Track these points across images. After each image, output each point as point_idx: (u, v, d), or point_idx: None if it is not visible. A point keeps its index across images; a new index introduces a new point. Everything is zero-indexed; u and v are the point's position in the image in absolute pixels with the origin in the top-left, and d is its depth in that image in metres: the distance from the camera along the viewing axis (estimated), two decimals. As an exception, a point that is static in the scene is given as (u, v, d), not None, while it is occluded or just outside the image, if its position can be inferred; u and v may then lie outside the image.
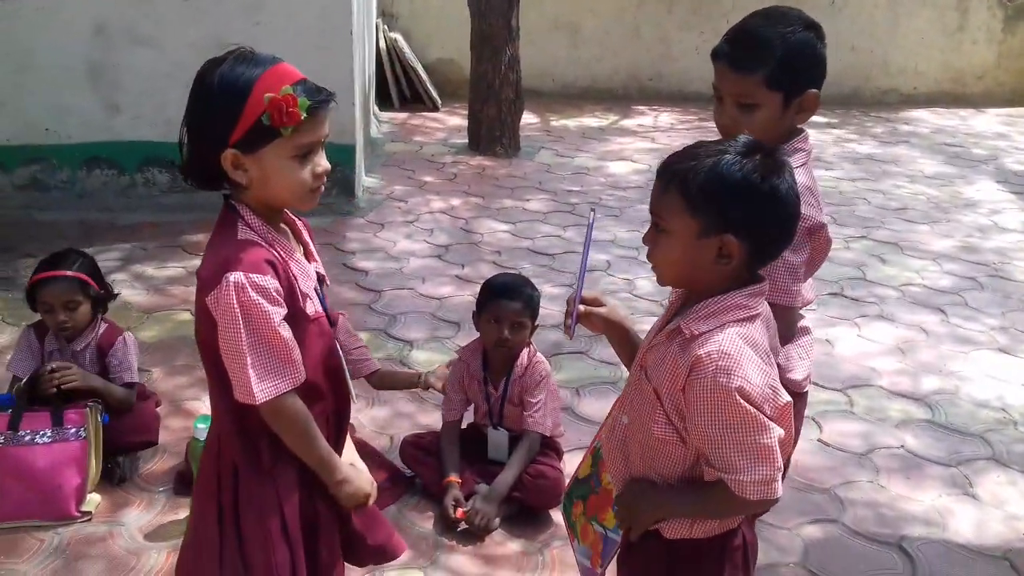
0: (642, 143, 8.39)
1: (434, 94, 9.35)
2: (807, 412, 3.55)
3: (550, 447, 3.02)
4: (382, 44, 9.01)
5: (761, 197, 1.53)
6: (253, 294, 1.54)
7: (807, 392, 2.17)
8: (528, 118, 8.98)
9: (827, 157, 8.11)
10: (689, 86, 10.14)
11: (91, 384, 2.86)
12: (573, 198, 6.47)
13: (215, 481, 1.73)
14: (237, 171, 1.58)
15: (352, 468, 1.81)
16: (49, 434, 2.71)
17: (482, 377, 3.01)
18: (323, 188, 1.69)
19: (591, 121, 9.28)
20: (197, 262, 2.03)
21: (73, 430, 2.74)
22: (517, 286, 2.97)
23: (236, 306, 1.54)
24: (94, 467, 2.81)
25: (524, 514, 2.89)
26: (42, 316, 2.92)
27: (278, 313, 1.58)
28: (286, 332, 1.60)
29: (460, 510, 2.79)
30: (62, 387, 2.79)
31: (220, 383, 1.66)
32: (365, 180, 6.51)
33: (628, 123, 9.28)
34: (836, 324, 4.47)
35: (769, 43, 1.88)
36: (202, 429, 2.71)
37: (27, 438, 2.70)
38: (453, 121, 8.71)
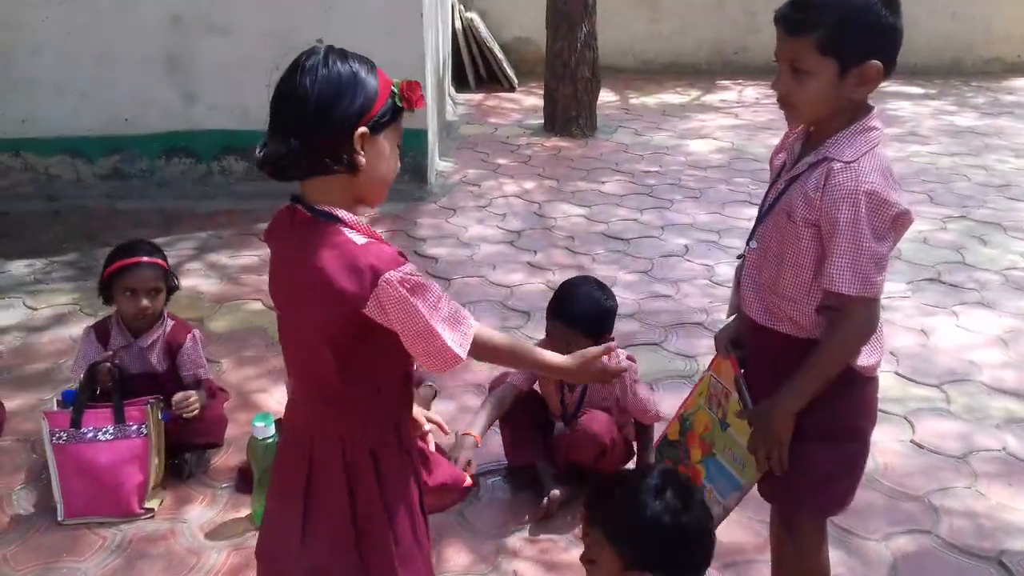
0: (725, 119, 8.10)
1: (510, 74, 9.23)
2: (898, 410, 3.35)
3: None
4: (458, 24, 8.91)
5: (671, 538, 1.76)
6: (413, 280, 1.60)
7: (878, 378, 2.02)
8: (606, 96, 8.79)
9: (923, 131, 7.69)
10: (775, 59, 9.74)
11: (201, 403, 2.93)
12: (650, 179, 6.27)
13: (304, 478, 1.74)
14: (361, 151, 1.61)
15: (570, 356, 1.88)
16: (111, 431, 2.71)
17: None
18: None
19: (672, 98, 9.01)
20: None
21: (135, 427, 2.73)
22: (572, 308, 2.76)
23: (408, 295, 1.58)
24: (157, 464, 2.80)
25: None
26: (121, 304, 2.91)
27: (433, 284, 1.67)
28: (440, 289, 1.68)
29: (469, 469, 2.70)
30: (184, 416, 2.85)
31: (350, 380, 1.68)
32: (439, 164, 6.44)
33: (711, 99, 8.98)
34: (932, 313, 4.19)
35: (826, 4, 1.78)
36: (261, 428, 2.66)
37: (89, 435, 2.69)
38: (529, 101, 8.57)
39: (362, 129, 1.59)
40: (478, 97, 8.84)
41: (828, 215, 1.82)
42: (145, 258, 2.91)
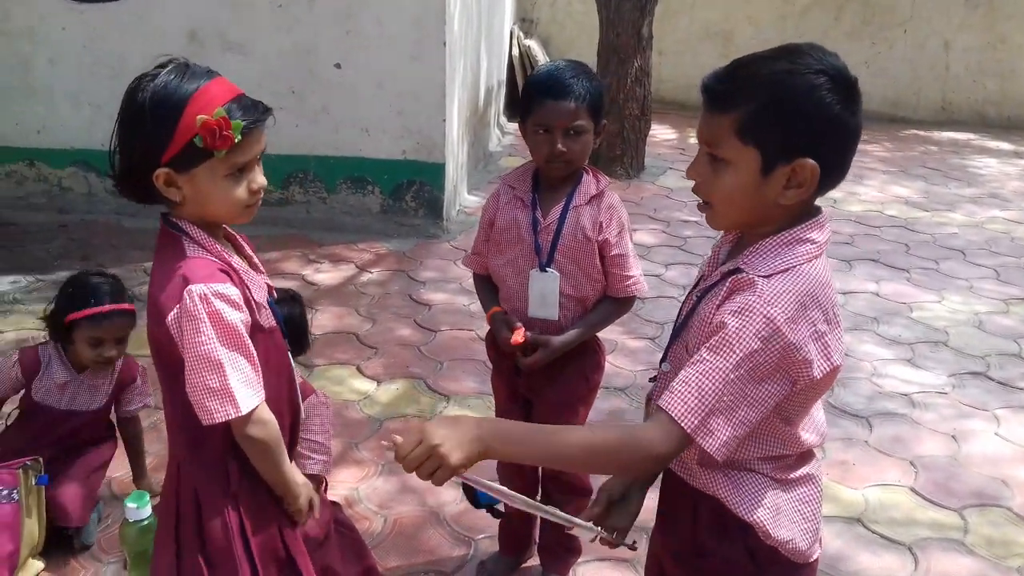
0: (786, 167, 7.56)
1: (567, 104, 8.87)
2: (903, 537, 2.85)
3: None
4: (515, 51, 8.61)
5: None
6: (219, 303, 1.51)
7: (816, 562, 1.56)
8: (665, 133, 8.38)
9: (1005, 193, 7.02)
10: (853, 103, 9.14)
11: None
12: (687, 230, 5.80)
13: (174, 515, 1.69)
14: (170, 189, 1.56)
15: (305, 486, 1.79)
16: (-21, 495, 2.45)
17: (531, 200, 2.28)
18: (259, 202, 1.66)
19: (735, 139, 8.50)
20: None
21: (5, 492, 2.46)
22: (568, 78, 2.16)
23: (205, 317, 1.50)
24: (35, 532, 2.54)
25: None
26: (82, 351, 2.61)
27: (243, 321, 1.56)
28: (250, 342, 1.57)
29: (518, 332, 2.22)
30: None
31: (183, 410, 1.59)
32: (466, 199, 6.12)
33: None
34: (969, 415, 3.64)
35: (753, 79, 1.37)
36: (133, 509, 2.35)
37: (-44, 498, 2.44)
38: (581, 135, 8.19)
39: (162, 170, 1.53)
40: (529, 127, 8.51)
41: (715, 323, 1.40)
42: (126, 305, 2.61)
